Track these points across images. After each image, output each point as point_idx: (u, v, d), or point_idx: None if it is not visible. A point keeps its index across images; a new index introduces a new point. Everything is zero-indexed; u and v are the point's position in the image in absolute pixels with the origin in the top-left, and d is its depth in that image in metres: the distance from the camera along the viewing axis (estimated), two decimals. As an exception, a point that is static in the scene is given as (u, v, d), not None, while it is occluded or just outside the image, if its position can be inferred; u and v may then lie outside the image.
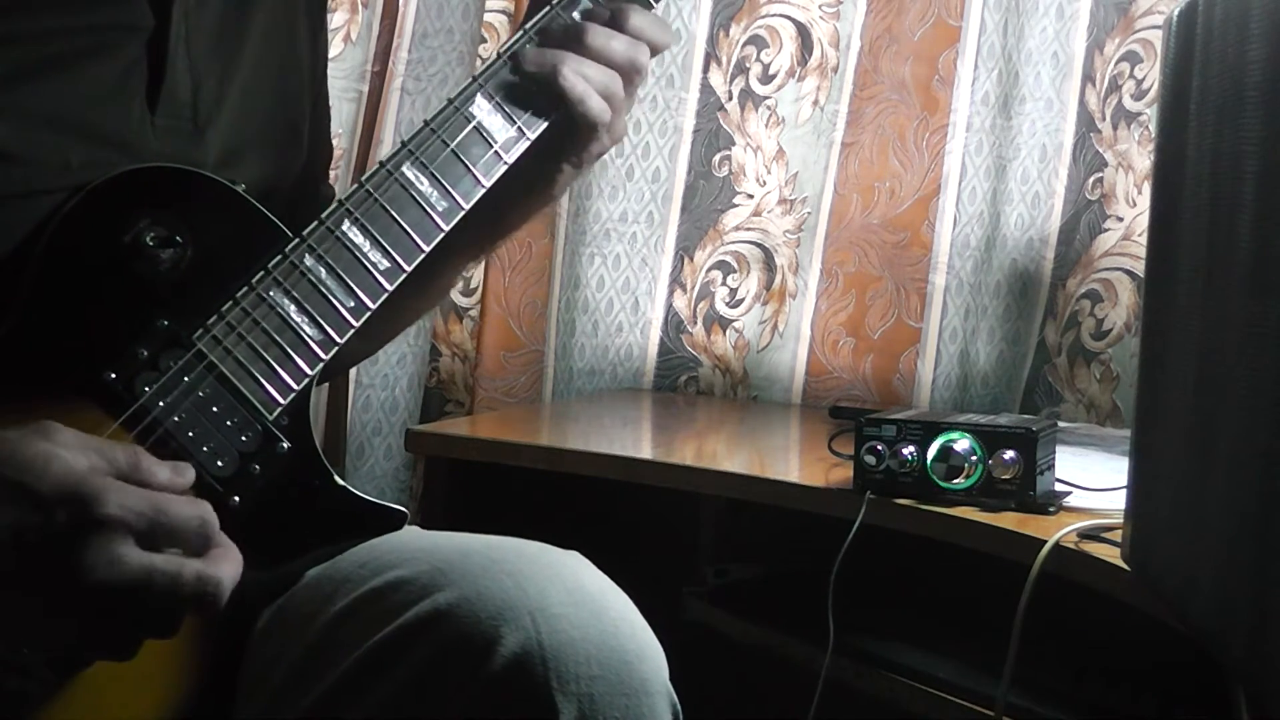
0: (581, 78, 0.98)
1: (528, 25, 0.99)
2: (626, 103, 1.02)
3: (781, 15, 1.89)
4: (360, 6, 2.03)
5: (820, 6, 1.88)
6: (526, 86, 0.98)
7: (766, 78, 1.90)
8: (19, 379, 0.85)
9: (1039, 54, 1.75)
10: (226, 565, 0.79)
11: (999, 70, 1.77)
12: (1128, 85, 1.73)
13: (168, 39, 0.95)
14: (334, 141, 1.23)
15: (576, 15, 1.00)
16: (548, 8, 0.99)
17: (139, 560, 0.75)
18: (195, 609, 0.78)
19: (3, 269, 0.87)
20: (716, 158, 1.93)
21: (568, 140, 1.03)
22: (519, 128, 0.97)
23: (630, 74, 1.00)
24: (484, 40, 2.00)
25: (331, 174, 1.24)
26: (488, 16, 2.00)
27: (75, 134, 0.91)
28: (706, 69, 1.91)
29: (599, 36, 0.99)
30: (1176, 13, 0.93)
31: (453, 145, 0.95)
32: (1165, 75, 0.95)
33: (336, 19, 2.00)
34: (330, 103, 1.20)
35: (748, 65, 1.91)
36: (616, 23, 0.99)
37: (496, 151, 0.97)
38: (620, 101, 1.01)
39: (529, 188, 1.07)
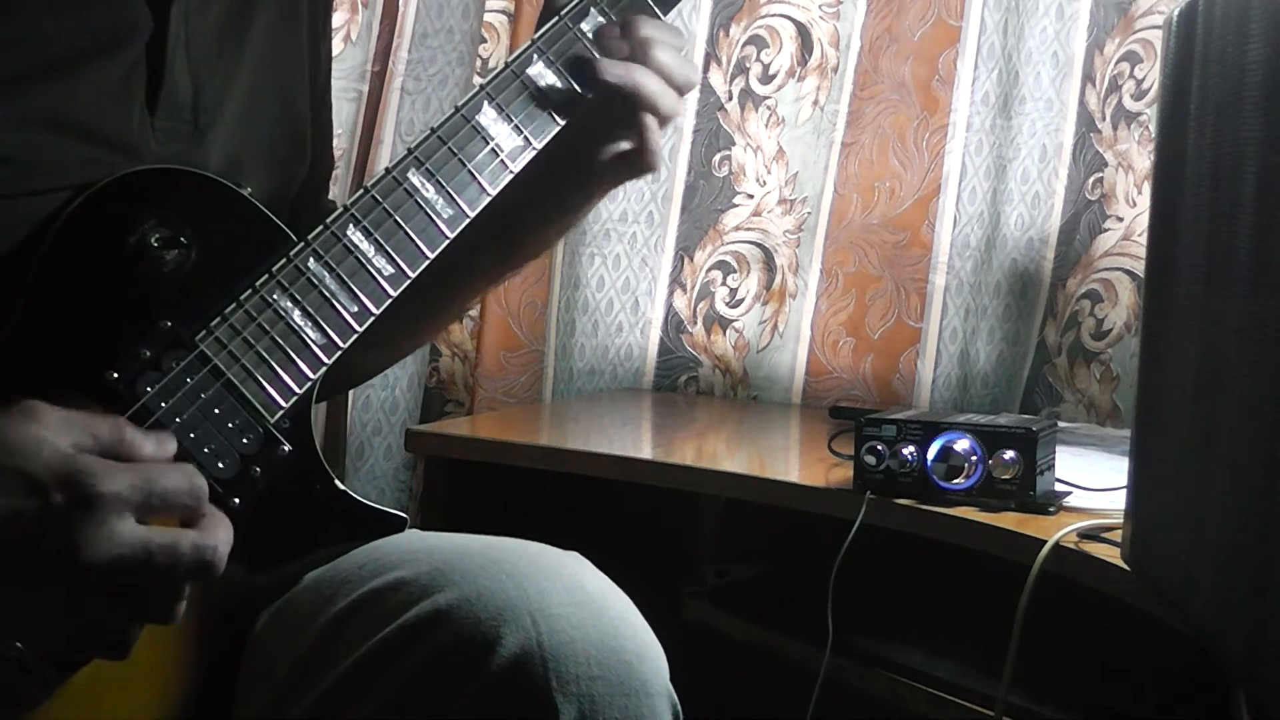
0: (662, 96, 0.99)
1: (536, 36, 0.99)
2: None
3: (781, 15, 1.89)
4: (360, 6, 2.03)
5: (820, 6, 1.88)
6: (554, 97, 0.98)
7: (766, 78, 1.91)
8: (21, 378, 0.85)
9: (1039, 54, 1.75)
10: (221, 531, 0.79)
11: (999, 70, 1.77)
12: (1128, 85, 1.73)
13: (167, 42, 0.95)
14: (334, 141, 1.23)
15: (585, 26, 0.99)
16: (556, 19, 0.99)
17: (136, 534, 0.75)
18: (194, 577, 0.78)
19: (5, 269, 0.87)
20: (716, 158, 1.93)
21: (624, 169, 1.03)
22: (525, 137, 0.98)
23: (686, 91, 1.01)
24: (484, 40, 2.00)
25: (335, 204, 1.24)
26: (488, 16, 2.00)
27: (75, 136, 0.91)
28: (706, 69, 1.91)
29: (665, 52, 0.98)
30: (1176, 13, 0.93)
31: (459, 153, 0.95)
32: (1165, 75, 0.95)
33: (336, 19, 2.00)
34: (331, 106, 1.20)
35: (748, 65, 1.91)
36: (626, 32, 0.99)
37: (503, 160, 0.97)
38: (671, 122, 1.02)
39: (552, 216, 1.08)
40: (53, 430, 0.76)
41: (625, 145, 1.02)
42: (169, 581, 0.78)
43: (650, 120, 0.99)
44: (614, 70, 0.98)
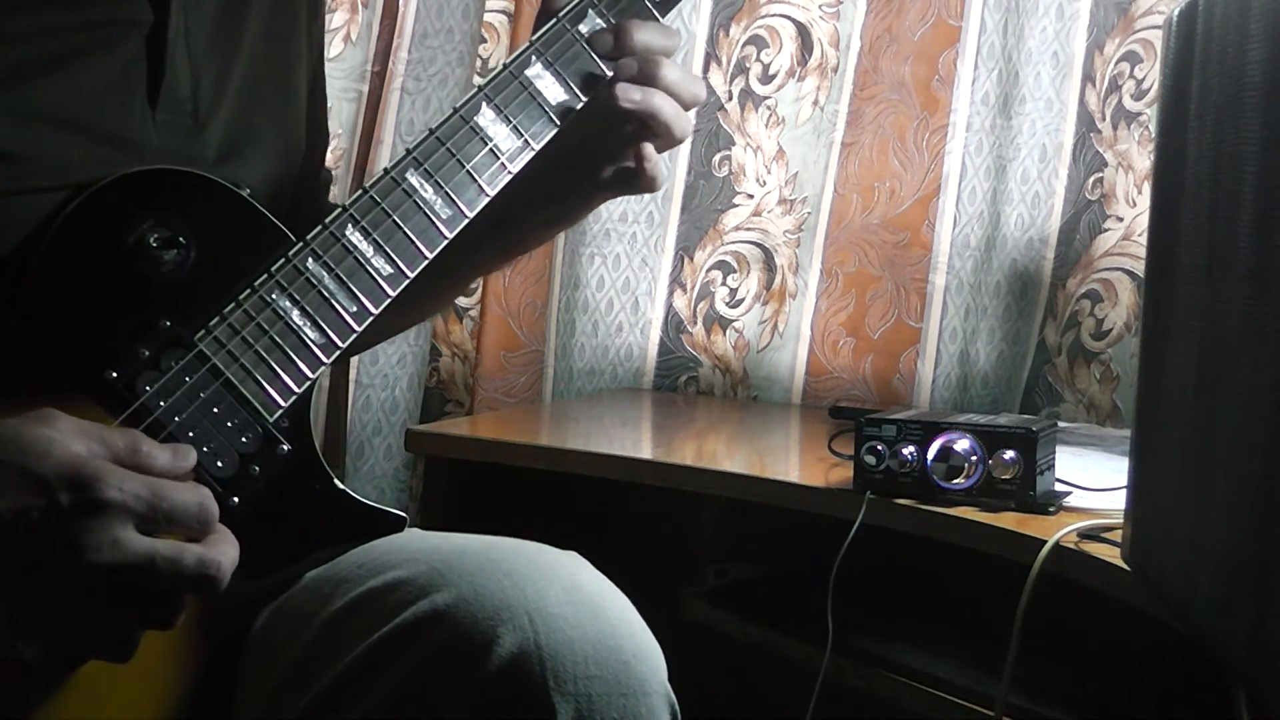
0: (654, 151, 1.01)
1: (534, 38, 0.99)
2: None
3: (781, 15, 1.89)
4: (360, 6, 2.03)
5: (820, 6, 1.88)
6: (553, 99, 0.98)
7: (766, 78, 1.90)
8: (21, 377, 0.85)
9: (1039, 54, 1.75)
10: (227, 549, 0.79)
11: (999, 70, 1.77)
12: (1128, 85, 1.73)
13: (167, 35, 0.95)
14: (333, 142, 1.23)
15: (584, 28, 0.99)
16: (554, 20, 0.99)
17: (141, 543, 0.76)
18: (196, 592, 0.79)
19: (5, 267, 0.87)
20: (716, 158, 1.93)
21: (623, 186, 1.04)
22: (524, 139, 0.98)
23: (693, 108, 1.02)
24: (484, 40, 2.00)
25: (331, 173, 1.24)
26: (488, 17, 2.00)
27: (76, 131, 0.91)
28: (706, 69, 1.91)
29: (673, 70, 0.99)
30: (1176, 13, 0.92)
31: (457, 154, 0.96)
32: (1165, 75, 0.95)
33: (336, 19, 2.00)
34: (328, 96, 1.20)
35: (748, 65, 1.91)
36: (625, 39, 0.99)
37: (502, 162, 0.97)
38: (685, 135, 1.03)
39: (552, 217, 1.09)
40: (65, 434, 0.77)
41: (628, 164, 1.03)
42: (169, 593, 0.78)
43: (649, 149, 1.01)
44: (631, 96, 0.98)
